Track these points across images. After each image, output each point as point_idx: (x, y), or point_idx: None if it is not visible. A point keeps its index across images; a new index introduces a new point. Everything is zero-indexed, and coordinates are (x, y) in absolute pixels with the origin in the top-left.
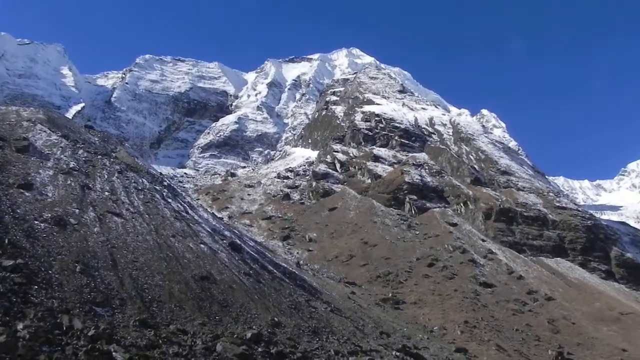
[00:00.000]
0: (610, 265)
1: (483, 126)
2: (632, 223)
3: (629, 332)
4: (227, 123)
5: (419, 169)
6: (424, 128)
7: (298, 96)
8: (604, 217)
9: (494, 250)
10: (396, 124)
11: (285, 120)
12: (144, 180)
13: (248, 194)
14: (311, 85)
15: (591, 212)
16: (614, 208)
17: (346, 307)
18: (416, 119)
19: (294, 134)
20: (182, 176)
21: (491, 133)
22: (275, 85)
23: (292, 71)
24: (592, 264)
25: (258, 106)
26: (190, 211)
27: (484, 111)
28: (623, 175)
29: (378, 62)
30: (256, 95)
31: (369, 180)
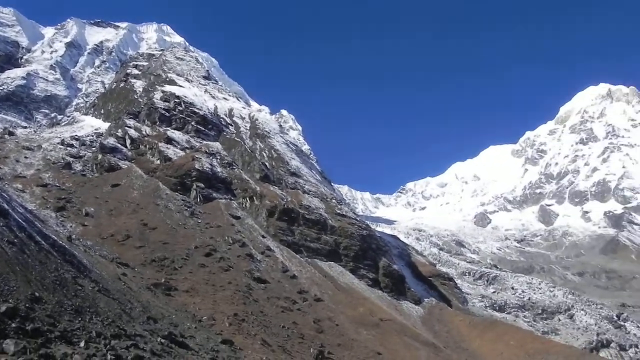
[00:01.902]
0: (378, 274)
1: (280, 126)
2: (402, 237)
3: (385, 337)
4: (13, 77)
5: (211, 157)
6: (222, 118)
7: (97, 62)
8: (379, 229)
9: (272, 248)
10: (195, 109)
11: (79, 85)
12: None
13: (25, 157)
14: (113, 54)
15: (368, 222)
16: (389, 222)
17: (115, 289)
18: (216, 108)
19: (87, 101)
20: None
21: (287, 134)
22: (75, 47)
23: (95, 35)
24: (362, 271)
25: (52, 65)
26: None
27: (284, 111)
28: (401, 193)
29: (187, 44)
30: (51, 53)
31: (158, 162)
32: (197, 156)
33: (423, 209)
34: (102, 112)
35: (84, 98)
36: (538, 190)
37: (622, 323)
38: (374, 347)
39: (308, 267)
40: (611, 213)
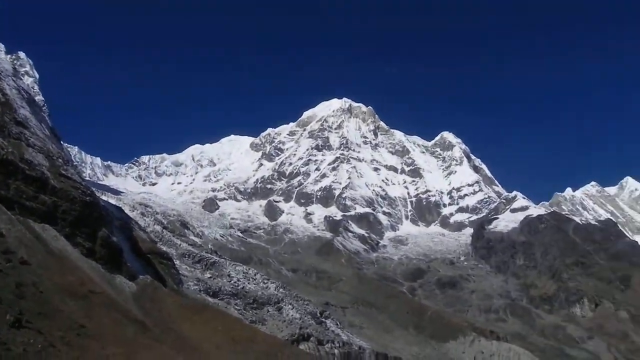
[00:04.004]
0: (95, 244)
1: (15, 68)
2: (127, 210)
3: (92, 310)
4: None
5: None
6: None
7: None
8: (104, 197)
9: None
10: None
11: None
12: None
13: None
14: None
15: (93, 189)
16: (116, 192)
17: None
18: None
19: None
20: None
21: (21, 79)
22: None
23: None
24: (78, 238)
25: None
26: None
27: (22, 54)
28: (134, 164)
29: None
30: None
31: None
32: None
33: (154, 184)
34: None
35: None
36: (269, 186)
37: (323, 320)
38: (78, 319)
39: (19, 226)
40: (331, 218)
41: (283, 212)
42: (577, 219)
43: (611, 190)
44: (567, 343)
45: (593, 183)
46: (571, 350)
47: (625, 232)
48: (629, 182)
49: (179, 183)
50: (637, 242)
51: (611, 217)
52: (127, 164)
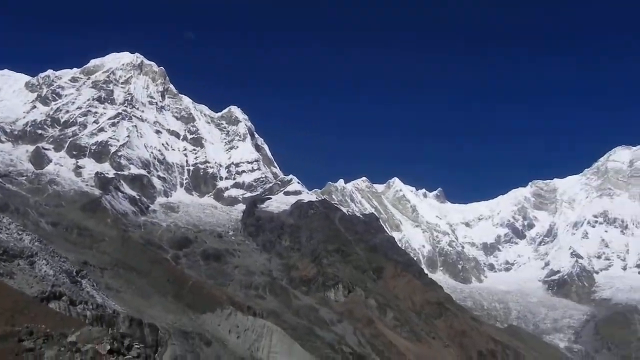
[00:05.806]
0: None
1: None
2: None
3: None
4: None
5: None
6: None
7: None
8: None
9: None
10: None
11: None
12: None
13: None
14: None
15: None
16: None
17: None
18: None
19: None
20: None
21: None
22: None
23: None
24: None
25: None
26: None
27: None
28: None
29: None
30: None
31: None
32: None
33: None
34: None
35: None
36: (39, 131)
37: (79, 279)
38: None
39: None
40: (102, 175)
41: (51, 161)
42: (344, 210)
43: (379, 187)
44: (317, 324)
45: (364, 178)
46: (320, 331)
47: (385, 228)
48: (396, 182)
49: None
50: (394, 237)
51: (375, 212)
52: None
